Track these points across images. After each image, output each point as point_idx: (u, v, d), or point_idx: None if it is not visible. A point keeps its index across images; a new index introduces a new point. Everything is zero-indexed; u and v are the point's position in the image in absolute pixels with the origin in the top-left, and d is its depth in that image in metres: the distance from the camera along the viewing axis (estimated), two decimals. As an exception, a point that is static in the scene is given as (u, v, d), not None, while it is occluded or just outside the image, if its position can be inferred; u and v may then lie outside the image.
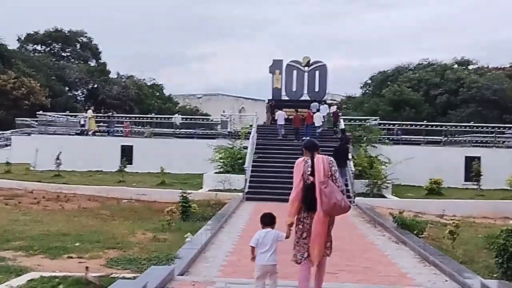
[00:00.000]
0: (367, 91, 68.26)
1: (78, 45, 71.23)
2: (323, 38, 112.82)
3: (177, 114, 35.92)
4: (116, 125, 32.16)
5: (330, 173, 6.06)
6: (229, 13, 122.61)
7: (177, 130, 30.76)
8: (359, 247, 11.40)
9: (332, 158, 6.23)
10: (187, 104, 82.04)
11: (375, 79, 66.66)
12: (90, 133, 30.66)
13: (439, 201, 20.10)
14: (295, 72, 38.42)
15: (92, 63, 71.89)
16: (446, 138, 29.20)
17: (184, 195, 14.16)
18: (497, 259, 8.84)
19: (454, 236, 11.76)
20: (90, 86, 66.97)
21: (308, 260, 6.10)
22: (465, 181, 26.23)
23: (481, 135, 29.85)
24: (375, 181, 21.22)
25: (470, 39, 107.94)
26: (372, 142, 24.86)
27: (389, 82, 59.75)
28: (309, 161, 6.19)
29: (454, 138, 29.63)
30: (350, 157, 22.38)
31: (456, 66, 61.75)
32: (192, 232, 11.82)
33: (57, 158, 25.01)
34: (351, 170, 21.04)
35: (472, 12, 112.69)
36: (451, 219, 18.14)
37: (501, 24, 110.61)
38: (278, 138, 28.63)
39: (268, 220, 6.30)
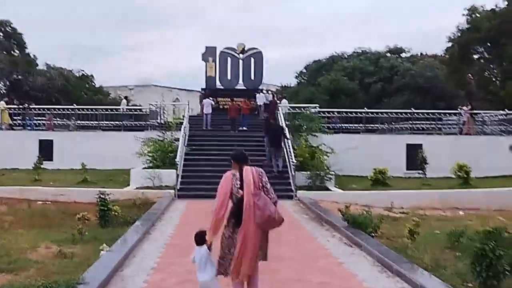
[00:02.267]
0: (302, 80, 67.41)
1: (1, 35, 66.95)
2: (257, 28, 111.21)
3: (124, 100, 33.19)
4: (35, 118, 29.27)
5: (261, 184, 5.77)
6: (162, 2, 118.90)
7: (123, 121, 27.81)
8: (309, 253, 9.77)
9: (261, 169, 5.95)
10: (118, 95, 78.72)
11: (310, 68, 65.86)
12: (3, 127, 27.67)
13: (385, 192, 18.85)
14: (229, 59, 36.47)
15: (17, 53, 67.76)
16: (386, 126, 28.21)
17: (102, 196, 12.05)
18: (474, 266, 7.40)
19: (414, 235, 10.38)
20: (13, 78, 63.08)
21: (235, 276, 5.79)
22: (407, 169, 25.30)
23: (420, 122, 29.11)
24: (317, 172, 19.73)
25: (401, 28, 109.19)
26: (312, 131, 23.39)
27: (324, 72, 59.15)
28: (237, 174, 5.87)
29: (394, 126, 28.71)
30: (287, 134, 21.22)
31: (389, 54, 61.84)
32: (110, 241, 9.86)
33: (-39, 156, 22.15)
34: (292, 160, 19.42)
35: (403, 2, 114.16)
36: (400, 212, 17.12)
37: (431, 13, 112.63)
38: (203, 129, 26.75)
39: (198, 239, 6.01)
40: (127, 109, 29.40)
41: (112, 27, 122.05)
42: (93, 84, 74.24)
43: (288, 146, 20.62)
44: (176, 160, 19.41)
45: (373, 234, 11.43)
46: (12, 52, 67.09)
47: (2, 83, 65.14)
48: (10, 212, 14.73)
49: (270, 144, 20.32)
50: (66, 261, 8.58)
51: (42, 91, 59.91)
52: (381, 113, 28.75)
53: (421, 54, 62.70)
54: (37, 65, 65.51)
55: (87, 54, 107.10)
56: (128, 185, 19.95)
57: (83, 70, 72.62)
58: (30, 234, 11.14)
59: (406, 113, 28.55)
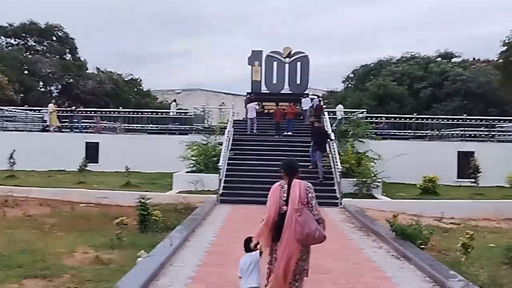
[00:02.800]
0: (349, 85, 66.45)
1: (54, 39, 68.64)
2: (303, 34, 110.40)
3: (173, 103, 33.24)
4: (83, 120, 29.62)
5: (306, 200, 5.64)
6: (208, 9, 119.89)
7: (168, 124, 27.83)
8: (354, 266, 9.25)
9: (309, 184, 5.78)
10: (165, 99, 79.61)
11: (357, 73, 64.89)
12: (51, 129, 28.07)
13: (435, 201, 18.08)
14: (275, 63, 36.15)
15: (68, 57, 69.34)
16: (437, 132, 27.22)
17: (143, 200, 11.83)
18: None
19: (468, 249, 9.70)
20: (64, 81, 64.55)
21: None
22: (458, 178, 24.34)
23: (472, 128, 28.02)
24: (364, 179, 19.08)
25: (451, 35, 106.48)
26: (359, 137, 22.71)
27: (371, 77, 58.13)
28: (286, 186, 5.74)
29: (446, 132, 27.69)
30: (332, 136, 21.11)
31: (439, 59, 60.26)
32: (149, 247, 9.59)
33: (11, 157, 22.44)
34: (338, 166, 18.82)
35: (452, 8, 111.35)
36: (451, 223, 16.32)
37: (482, 18, 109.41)
38: (248, 133, 26.42)
39: (247, 247, 5.91)
40: (173, 112, 29.35)
41: (160, 34, 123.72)
42: (141, 88, 75.43)
43: (334, 150, 20.06)
44: (219, 164, 19.12)
45: (423, 247, 10.82)
46: (64, 56, 68.99)
47: (54, 86, 66.93)
48: (53, 214, 14.74)
49: (317, 149, 19.94)
50: (102, 267, 8.33)
51: (91, 94, 61.23)
52: (431, 119, 27.78)
53: (473, 59, 60.91)
54: (87, 69, 67.00)
55: (136, 60, 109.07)
56: (171, 189, 19.80)
57: (131, 74, 74.01)
58: (69, 238, 11.02)
59: (457, 119, 27.46)
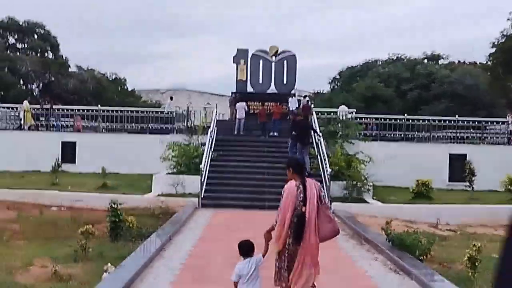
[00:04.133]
0: (336, 86, 65.77)
1: (35, 37, 67.10)
2: (289, 36, 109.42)
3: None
4: (62, 119, 28.30)
5: (321, 198, 5.79)
6: (196, 10, 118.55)
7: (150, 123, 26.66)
8: (349, 282, 8.23)
9: (319, 183, 5.95)
10: (150, 99, 78.34)
11: (343, 75, 64.22)
12: (26, 127, 26.73)
13: (429, 206, 17.14)
14: (261, 62, 34.98)
15: (50, 55, 67.83)
16: (428, 134, 26.37)
17: (114, 205, 10.69)
18: None
19: (476, 263, 8.71)
20: (46, 80, 63.06)
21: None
22: (450, 181, 23.53)
23: (464, 130, 27.26)
24: (354, 183, 18.10)
25: (437, 38, 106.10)
26: (348, 138, 21.74)
27: (357, 78, 57.51)
28: (301, 186, 5.72)
29: (438, 134, 26.84)
30: (318, 131, 20.73)
31: (426, 61, 59.83)
32: (118, 260, 8.51)
33: (-21, 157, 21.18)
34: (327, 170, 17.82)
35: (436, 12, 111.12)
36: (448, 229, 15.40)
37: (467, 22, 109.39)
38: (235, 134, 25.39)
39: (246, 250, 5.74)
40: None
41: (145, 34, 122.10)
42: (125, 87, 74.10)
43: (323, 151, 19.05)
44: (201, 166, 18.02)
45: (422, 258, 9.83)
46: (46, 54, 67.51)
47: (35, 84, 65.39)
48: (18, 219, 13.57)
49: (298, 141, 19.21)
50: (60, 285, 7.23)
51: (74, 93, 59.78)
52: (423, 120, 26.94)
53: (458, 62, 60.53)
54: (69, 66, 65.54)
55: (120, 61, 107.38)
56: (150, 191, 18.68)
57: (115, 74, 72.70)
58: (29, 248, 9.88)
59: (449, 120, 26.65)
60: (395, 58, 61.68)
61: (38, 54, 66.02)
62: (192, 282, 7.77)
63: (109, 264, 8.08)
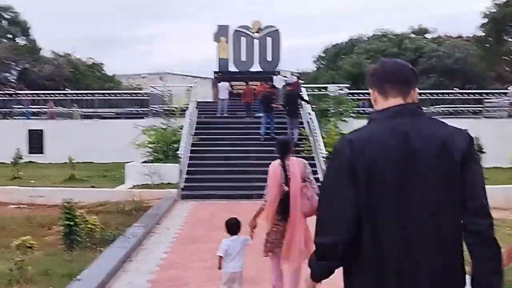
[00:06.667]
0: (321, 65, 63.97)
1: (5, 22, 64.22)
2: (272, 16, 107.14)
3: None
4: (30, 106, 26.01)
5: (305, 176, 5.78)
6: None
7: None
8: None
9: (305, 161, 5.94)
10: (130, 84, 75.86)
11: (328, 53, 62.40)
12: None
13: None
14: (243, 39, 33.00)
15: (22, 41, 64.99)
16: (425, 109, 24.60)
17: (68, 204, 8.64)
18: None
19: None
20: (20, 66, 60.43)
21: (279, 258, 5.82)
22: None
23: (463, 105, 25.67)
24: (351, 165, 16.22)
25: (420, 13, 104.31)
26: (342, 116, 19.85)
27: (342, 56, 55.80)
28: (283, 165, 5.77)
29: (434, 109, 25.10)
30: (306, 97, 20.12)
31: (413, 36, 58.18)
32: (66, 278, 6.55)
33: None
34: (322, 152, 15.92)
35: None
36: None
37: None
38: (217, 115, 23.47)
39: (233, 228, 5.89)
40: (127, 94, 25.86)
41: (123, 19, 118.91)
42: (104, 72, 71.50)
43: (315, 132, 17.21)
44: (178, 152, 15.99)
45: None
46: (16, 39, 64.68)
47: (8, 72, 62.70)
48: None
49: (286, 114, 18.76)
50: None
51: (49, 80, 57.21)
52: (419, 94, 25.14)
53: (445, 35, 58.95)
54: (39, 50, 62.72)
55: (98, 46, 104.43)
56: (123, 183, 16.67)
57: (92, 58, 69.93)
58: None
59: (445, 93, 24.96)
60: (380, 34, 60.06)
61: (10, 39, 63.33)
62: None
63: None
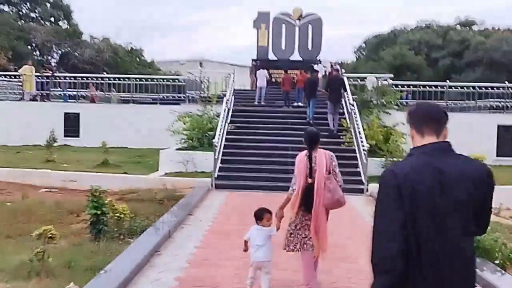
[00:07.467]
0: (361, 56, 62.63)
1: (48, 5, 64.95)
2: (312, 7, 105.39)
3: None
4: (69, 89, 25.88)
5: (331, 168, 5.84)
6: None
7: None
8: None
9: (332, 154, 6.00)
10: (169, 70, 75.95)
11: (369, 43, 60.93)
12: (25, 97, 24.34)
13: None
14: (284, 26, 32.21)
15: (64, 24, 65.63)
16: (474, 103, 23.49)
17: (96, 193, 8.20)
18: None
19: None
20: (61, 50, 61.05)
21: (304, 250, 5.82)
22: (497, 155, 20.70)
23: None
24: (394, 159, 15.42)
25: (467, 6, 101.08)
26: (386, 108, 18.99)
27: (384, 47, 54.41)
28: (309, 157, 5.85)
29: (483, 103, 23.94)
30: (347, 87, 19.38)
31: (459, 27, 56.31)
32: (90, 273, 6.08)
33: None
34: (364, 145, 15.15)
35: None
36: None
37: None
38: (255, 103, 22.81)
39: (261, 216, 5.95)
40: (164, 79, 25.43)
41: (164, 6, 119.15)
42: (143, 58, 71.71)
43: (358, 124, 16.41)
44: (214, 140, 15.47)
45: (505, 265, 7.27)
46: (59, 23, 65.49)
47: (51, 55, 63.45)
48: (-7, 205, 11.22)
49: (329, 99, 18.36)
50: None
51: (90, 64, 57.63)
52: (467, 87, 24.06)
53: (492, 28, 56.90)
54: (81, 34, 63.30)
55: (139, 32, 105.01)
56: (157, 170, 16.28)
57: (131, 43, 70.15)
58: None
59: (497, 87, 23.76)
60: (424, 25, 58.37)
61: (52, 24, 64.06)
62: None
63: (71, 284, 5.65)
